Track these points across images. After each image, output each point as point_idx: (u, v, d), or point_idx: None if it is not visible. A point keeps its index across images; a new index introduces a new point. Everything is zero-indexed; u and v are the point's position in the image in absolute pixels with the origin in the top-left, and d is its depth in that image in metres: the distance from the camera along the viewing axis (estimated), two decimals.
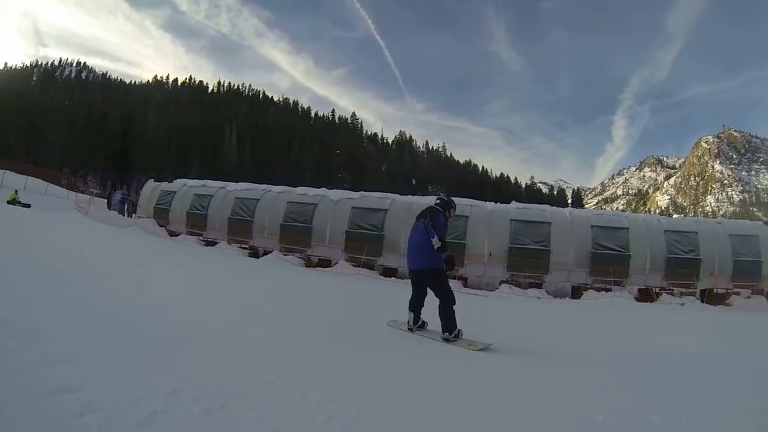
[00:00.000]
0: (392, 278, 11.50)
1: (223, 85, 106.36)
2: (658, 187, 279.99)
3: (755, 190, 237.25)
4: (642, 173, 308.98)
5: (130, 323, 3.26)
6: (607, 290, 11.16)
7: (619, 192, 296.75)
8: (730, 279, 11.95)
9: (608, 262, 11.02)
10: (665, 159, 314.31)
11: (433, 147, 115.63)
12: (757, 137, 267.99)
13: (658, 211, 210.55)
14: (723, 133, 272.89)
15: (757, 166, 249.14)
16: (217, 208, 14.18)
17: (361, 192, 12.85)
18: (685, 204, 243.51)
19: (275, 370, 2.52)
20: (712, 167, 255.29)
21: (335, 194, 12.82)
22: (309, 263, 12.65)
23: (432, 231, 4.11)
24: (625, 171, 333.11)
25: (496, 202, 12.21)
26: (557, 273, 11.01)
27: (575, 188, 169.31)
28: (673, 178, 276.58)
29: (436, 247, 4.08)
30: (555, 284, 11.00)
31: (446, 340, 3.98)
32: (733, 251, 12.03)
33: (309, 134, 77.46)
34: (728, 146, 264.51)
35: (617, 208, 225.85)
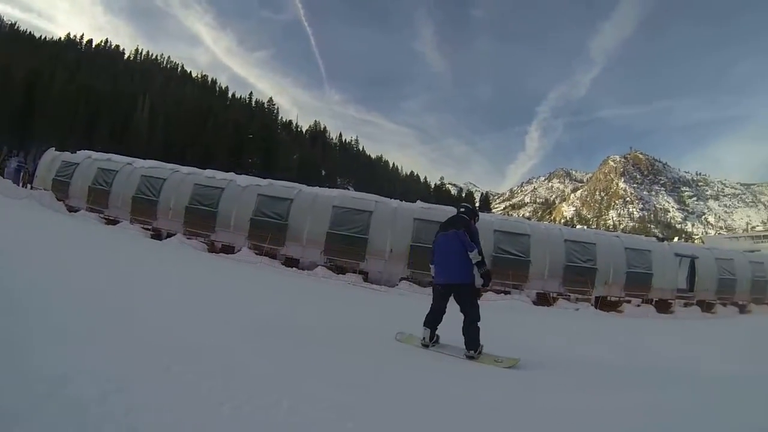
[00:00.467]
0: (294, 269, 11.22)
1: (141, 52, 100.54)
2: (565, 198, 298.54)
3: (654, 209, 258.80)
4: (551, 184, 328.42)
5: (20, 306, 3.02)
6: (506, 293, 11.39)
7: (527, 200, 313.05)
8: (623, 288, 12.62)
9: (508, 266, 11.27)
10: (574, 172, 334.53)
11: (346, 140, 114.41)
12: (660, 161, 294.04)
13: (563, 221, 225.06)
14: (630, 154, 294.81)
15: (657, 188, 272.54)
16: (122, 184, 13.30)
17: (269, 180, 12.42)
18: (589, 216, 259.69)
19: (169, 356, 2.49)
20: (617, 184, 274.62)
21: (243, 180, 12.38)
22: (212, 248, 12.17)
23: (471, 244, 3.90)
24: (534, 180, 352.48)
25: (401, 200, 12.15)
26: None
27: (484, 192, 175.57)
28: (579, 191, 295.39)
29: (475, 262, 3.89)
30: None
31: (470, 357, 3.82)
32: (628, 263, 12.73)
33: (224, 115, 73.53)
34: (633, 167, 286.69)
35: (524, 215, 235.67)
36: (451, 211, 12.15)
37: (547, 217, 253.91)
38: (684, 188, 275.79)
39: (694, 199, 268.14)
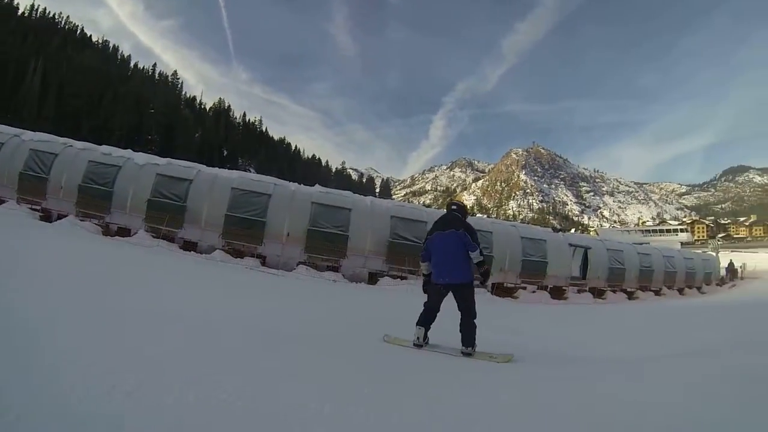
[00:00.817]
0: (192, 252, 11.01)
1: (38, 9, 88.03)
2: (466, 187, 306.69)
3: (553, 201, 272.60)
4: (452, 172, 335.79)
5: None
6: (403, 278, 11.74)
7: (428, 187, 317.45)
8: (518, 275, 13.40)
9: (404, 252, 11.57)
10: (476, 162, 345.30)
11: (249, 120, 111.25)
12: (560, 157, 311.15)
13: None
14: (532, 148, 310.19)
15: (557, 182, 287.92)
16: (8, 159, 12.30)
17: (168, 159, 12.04)
18: (489, 206, 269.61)
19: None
20: (518, 176, 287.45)
21: (141, 158, 11.84)
22: (107, 231, 11.59)
23: (473, 244, 4.03)
24: (436, 168, 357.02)
25: (300, 183, 12.25)
26: (354, 258, 11.33)
27: (385, 178, 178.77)
28: (481, 181, 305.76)
29: (476, 261, 4.04)
30: (352, 269, 11.35)
31: (467, 354, 3.89)
32: (523, 252, 13.56)
33: (124, 87, 68.71)
34: (534, 160, 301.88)
35: (425, 202, 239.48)
36: (348, 195, 12.48)
37: None
38: (582, 183, 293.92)
39: (591, 194, 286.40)
